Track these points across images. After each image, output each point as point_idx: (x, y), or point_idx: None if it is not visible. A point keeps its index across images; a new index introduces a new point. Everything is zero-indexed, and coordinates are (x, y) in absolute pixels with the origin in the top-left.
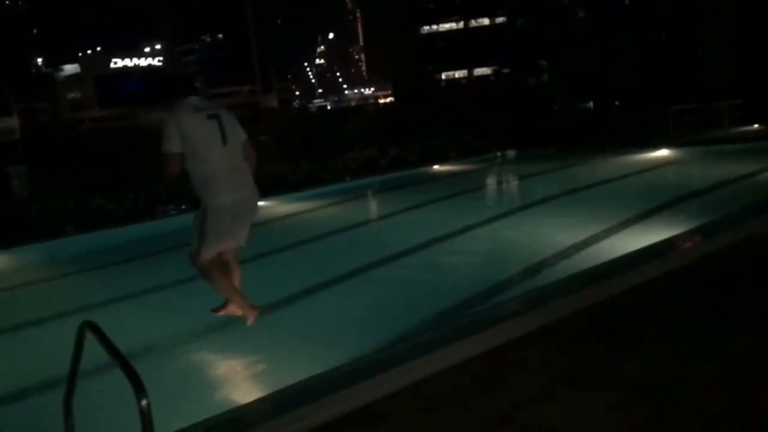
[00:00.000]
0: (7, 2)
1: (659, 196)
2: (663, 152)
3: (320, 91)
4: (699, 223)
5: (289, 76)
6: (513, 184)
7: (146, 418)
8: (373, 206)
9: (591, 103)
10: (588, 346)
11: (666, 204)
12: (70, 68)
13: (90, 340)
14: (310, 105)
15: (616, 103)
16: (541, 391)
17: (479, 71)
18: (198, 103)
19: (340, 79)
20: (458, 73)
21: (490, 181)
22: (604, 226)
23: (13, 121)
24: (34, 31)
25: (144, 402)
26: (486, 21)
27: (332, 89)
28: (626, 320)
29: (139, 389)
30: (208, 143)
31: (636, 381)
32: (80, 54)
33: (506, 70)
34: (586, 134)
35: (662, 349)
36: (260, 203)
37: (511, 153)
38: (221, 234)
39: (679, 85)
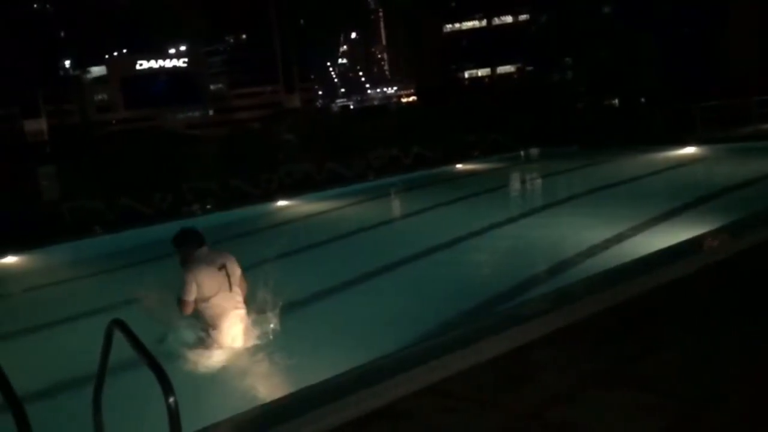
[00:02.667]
0: (35, 6)
1: (686, 194)
2: (691, 149)
3: (343, 90)
4: (727, 221)
5: (312, 76)
6: (538, 182)
7: (174, 415)
8: (396, 205)
9: (616, 100)
10: (615, 345)
11: (693, 202)
12: (96, 70)
13: (118, 337)
14: (333, 104)
15: (642, 99)
16: (567, 390)
17: (502, 69)
18: (209, 255)
19: (363, 79)
20: (481, 72)
21: (515, 180)
22: (629, 224)
23: (42, 123)
24: (62, 33)
25: (171, 399)
26: (509, 18)
27: (355, 89)
28: (653, 319)
29: (167, 387)
30: (219, 292)
31: (663, 380)
32: (107, 56)
33: (530, 68)
34: (611, 131)
35: (690, 349)
36: None
37: (534, 151)
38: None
39: (706, 81)
